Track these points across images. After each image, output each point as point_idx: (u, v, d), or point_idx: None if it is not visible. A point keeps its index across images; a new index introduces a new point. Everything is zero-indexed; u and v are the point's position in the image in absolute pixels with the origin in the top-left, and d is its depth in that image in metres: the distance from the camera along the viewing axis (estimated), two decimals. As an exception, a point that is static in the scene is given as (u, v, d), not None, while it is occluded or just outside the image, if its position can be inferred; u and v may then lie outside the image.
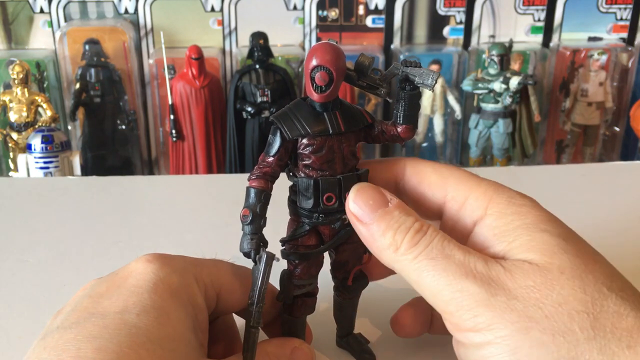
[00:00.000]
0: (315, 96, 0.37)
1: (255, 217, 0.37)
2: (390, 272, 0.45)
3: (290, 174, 0.40)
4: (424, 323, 0.45)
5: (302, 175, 0.38)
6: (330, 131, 0.38)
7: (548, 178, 0.78)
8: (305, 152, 0.38)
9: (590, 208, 0.69)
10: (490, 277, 0.34)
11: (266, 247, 0.38)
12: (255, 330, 0.38)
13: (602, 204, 0.69)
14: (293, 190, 0.39)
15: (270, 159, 0.38)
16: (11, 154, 1.27)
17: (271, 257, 0.37)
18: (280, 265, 0.40)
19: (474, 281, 0.34)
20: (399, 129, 0.39)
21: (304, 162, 0.38)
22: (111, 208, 0.70)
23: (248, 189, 0.38)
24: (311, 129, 0.37)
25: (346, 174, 0.39)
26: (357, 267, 0.42)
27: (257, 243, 0.37)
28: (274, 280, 0.40)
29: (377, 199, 0.37)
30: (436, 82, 0.38)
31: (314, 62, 0.37)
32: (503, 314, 0.33)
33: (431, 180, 0.40)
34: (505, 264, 0.35)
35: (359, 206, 0.37)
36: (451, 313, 0.34)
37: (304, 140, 0.38)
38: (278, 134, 0.38)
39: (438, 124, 1.39)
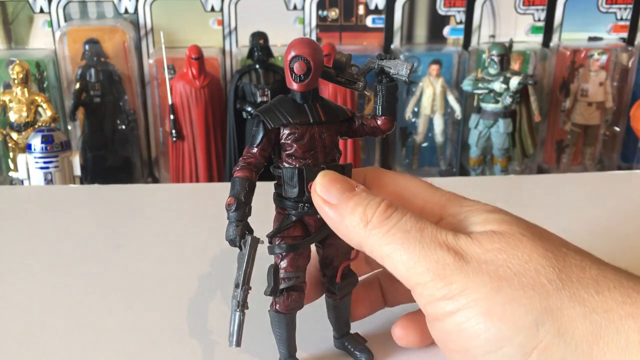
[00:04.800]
0: (295, 86, 0.39)
1: (240, 205, 0.38)
2: (375, 308, 0.47)
3: (275, 166, 0.41)
4: (425, 333, 0.45)
5: (286, 165, 0.40)
6: (311, 120, 0.39)
7: (547, 186, 0.78)
8: (288, 142, 0.39)
9: (589, 216, 0.69)
10: (460, 247, 0.36)
11: (251, 234, 0.38)
12: (241, 314, 0.39)
13: (601, 213, 0.69)
14: (278, 184, 0.41)
15: (254, 149, 0.40)
16: (11, 154, 1.27)
17: (256, 240, 0.38)
18: (269, 260, 0.41)
19: (448, 251, 0.35)
20: (378, 121, 0.41)
21: (287, 152, 0.40)
22: (112, 214, 0.71)
23: (233, 178, 0.39)
24: (292, 118, 0.39)
25: (330, 165, 0.40)
26: (345, 262, 0.43)
27: (242, 230, 0.38)
28: (262, 277, 0.40)
29: (344, 183, 0.39)
30: (410, 72, 0.40)
31: (293, 53, 0.39)
32: (475, 278, 0.34)
33: (389, 190, 0.42)
34: (471, 235, 0.37)
35: (326, 189, 0.38)
36: (425, 284, 0.35)
37: (286, 130, 0.39)
38: (261, 125, 0.39)
39: (438, 124, 1.39)
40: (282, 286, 0.40)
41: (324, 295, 0.45)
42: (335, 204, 0.38)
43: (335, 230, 0.39)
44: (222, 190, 0.78)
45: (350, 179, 0.39)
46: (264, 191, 0.42)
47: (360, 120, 0.41)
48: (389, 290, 0.46)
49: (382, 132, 0.42)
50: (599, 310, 0.33)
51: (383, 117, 0.41)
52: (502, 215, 0.38)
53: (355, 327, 0.46)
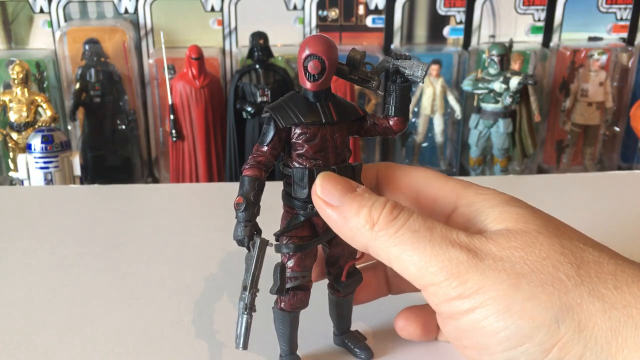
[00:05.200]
0: (308, 85, 0.38)
1: (249, 205, 0.38)
2: (378, 294, 0.46)
3: (285, 165, 0.40)
4: (428, 327, 0.45)
5: (297, 165, 0.39)
6: (323, 120, 0.38)
7: (547, 186, 0.78)
8: (299, 141, 0.39)
9: (589, 216, 0.69)
10: (474, 246, 0.35)
11: (260, 235, 0.38)
12: (249, 316, 0.39)
13: (601, 213, 0.69)
14: (287, 182, 0.40)
15: (265, 148, 0.39)
16: (11, 154, 1.27)
17: (265, 243, 0.38)
18: (275, 259, 0.40)
19: (461, 250, 0.35)
20: (390, 122, 0.40)
21: (298, 152, 0.39)
22: (112, 214, 0.71)
23: (242, 177, 0.39)
24: (304, 117, 0.38)
25: (340, 165, 0.39)
26: (351, 262, 0.42)
27: (250, 230, 0.38)
28: (267, 274, 0.40)
29: (345, 185, 0.38)
30: (426, 73, 0.39)
31: (307, 52, 0.38)
32: (492, 276, 0.34)
33: (401, 183, 0.42)
34: (485, 234, 0.36)
35: (327, 191, 0.37)
36: (438, 284, 0.35)
37: (297, 129, 0.39)
38: (272, 123, 0.39)
39: (438, 124, 1.39)
40: (288, 285, 0.40)
41: (326, 292, 0.45)
42: (338, 205, 0.37)
43: (338, 232, 0.38)
44: (222, 190, 0.79)
45: (351, 180, 0.39)
46: (271, 191, 0.42)
47: (372, 120, 0.41)
48: (393, 277, 0.46)
49: (394, 133, 0.41)
50: (617, 305, 0.33)
51: (395, 118, 0.40)
52: (518, 209, 0.37)
53: (356, 324, 0.46)
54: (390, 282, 0.46)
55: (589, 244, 0.36)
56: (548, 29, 1.41)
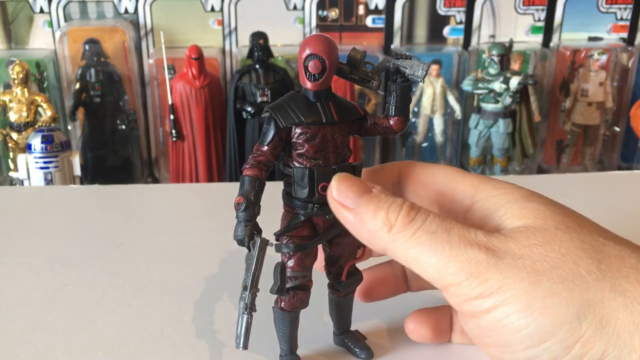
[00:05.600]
0: (308, 84, 0.38)
1: (249, 205, 0.38)
2: (397, 291, 0.46)
3: (285, 164, 0.40)
4: (439, 329, 0.44)
5: (297, 165, 0.39)
6: (324, 120, 0.38)
7: (547, 186, 0.78)
8: (299, 141, 0.39)
9: (589, 217, 0.68)
10: (493, 245, 0.35)
11: (260, 234, 0.38)
12: (249, 316, 0.39)
13: (601, 213, 0.69)
14: (288, 182, 0.40)
15: (265, 147, 0.39)
16: (11, 154, 1.27)
17: (265, 242, 0.38)
18: (275, 259, 0.40)
19: (479, 249, 0.34)
20: (391, 121, 0.40)
21: (298, 151, 0.39)
22: (112, 214, 0.71)
23: (242, 177, 0.38)
24: (305, 117, 0.38)
25: (341, 165, 0.39)
26: (351, 262, 0.42)
27: (250, 230, 0.38)
28: (268, 274, 0.40)
29: (360, 186, 0.38)
30: (426, 73, 0.39)
31: (308, 51, 0.38)
32: (513, 274, 0.33)
33: (421, 179, 0.42)
34: (503, 232, 0.36)
35: (343, 193, 0.37)
36: (459, 284, 0.34)
37: (298, 129, 0.39)
38: (272, 123, 0.39)
39: (438, 124, 1.39)
40: (288, 285, 0.40)
41: (326, 292, 0.45)
42: (354, 208, 0.37)
43: (356, 235, 0.38)
44: (222, 190, 0.79)
45: (366, 181, 0.38)
46: (272, 191, 0.42)
47: (373, 119, 0.41)
48: (412, 274, 0.45)
49: (395, 133, 0.41)
50: None
51: (396, 118, 0.40)
52: (537, 205, 0.37)
53: (356, 324, 0.46)
54: (409, 278, 0.46)
55: (609, 237, 0.36)
56: (548, 29, 1.41)
